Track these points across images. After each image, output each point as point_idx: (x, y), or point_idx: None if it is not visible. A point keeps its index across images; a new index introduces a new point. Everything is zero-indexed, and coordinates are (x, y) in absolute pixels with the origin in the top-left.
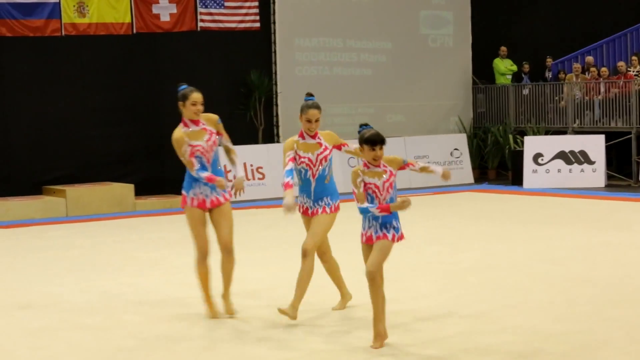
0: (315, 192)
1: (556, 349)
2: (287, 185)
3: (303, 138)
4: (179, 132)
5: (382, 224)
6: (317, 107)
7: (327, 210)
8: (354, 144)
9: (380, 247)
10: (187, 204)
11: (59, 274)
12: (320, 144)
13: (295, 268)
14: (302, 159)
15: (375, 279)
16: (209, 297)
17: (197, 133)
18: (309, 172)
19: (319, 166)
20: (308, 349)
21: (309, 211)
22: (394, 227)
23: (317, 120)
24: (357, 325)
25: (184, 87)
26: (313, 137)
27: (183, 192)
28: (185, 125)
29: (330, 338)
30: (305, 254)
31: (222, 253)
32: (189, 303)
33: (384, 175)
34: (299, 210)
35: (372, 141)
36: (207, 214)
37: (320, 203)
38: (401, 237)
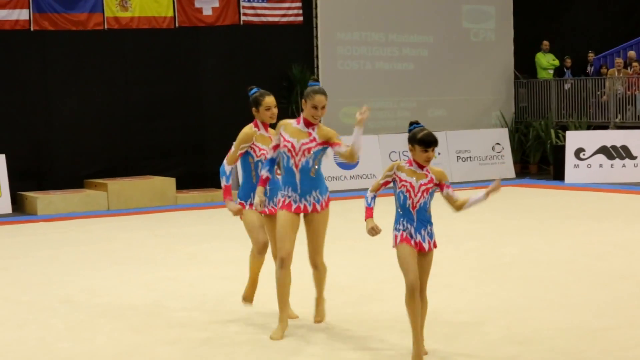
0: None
1: (597, 345)
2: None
3: (266, 130)
4: (250, 129)
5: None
6: (325, 93)
7: (318, 207)
8: (346, 146)
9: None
10: (279, 206)
11: (100, 268)
12: (309, 134)
13: (359, 262)
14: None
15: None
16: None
17: (265, 139)
18: (292, 161)
19: (301, 157)
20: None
21: (292, 207)
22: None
23: (323, 107)
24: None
25: (254, 91)
26: (308, 125)
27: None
28: (257, 126)
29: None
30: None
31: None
32: (230, 296)
33: (424, 179)
34: (277, 206)
35: (427, 142)
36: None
37: (308, 198)
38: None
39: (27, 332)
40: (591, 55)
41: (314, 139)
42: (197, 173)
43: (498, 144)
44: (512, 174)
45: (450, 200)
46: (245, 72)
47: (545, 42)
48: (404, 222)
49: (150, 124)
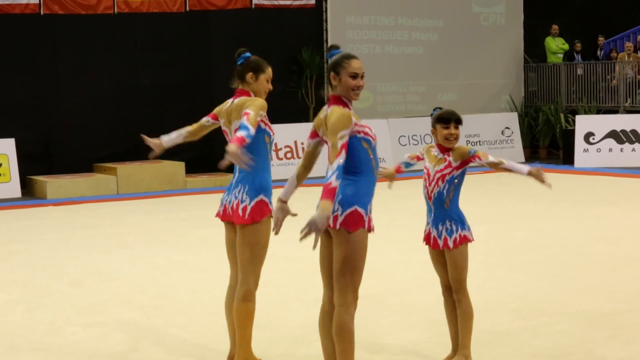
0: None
1: (607, 329)
2: None
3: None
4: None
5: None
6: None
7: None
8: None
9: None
10: (270, 213)
11: (110, 252)
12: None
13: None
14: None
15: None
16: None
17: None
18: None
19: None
20: None
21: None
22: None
23: (362, 77)
24: None
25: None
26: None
27: (262, 197)
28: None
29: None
30: None
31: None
32: None
33: (441, 164)
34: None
35: (445, 119)
36: None
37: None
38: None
39: (37, 316)
40: (601, 39)
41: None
42: (206, 157)
43: (507, 128)
44: (522, 159)
45: (490, 165)
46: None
47: (555, 26)
48: (427, 215)
49: (159, 108)
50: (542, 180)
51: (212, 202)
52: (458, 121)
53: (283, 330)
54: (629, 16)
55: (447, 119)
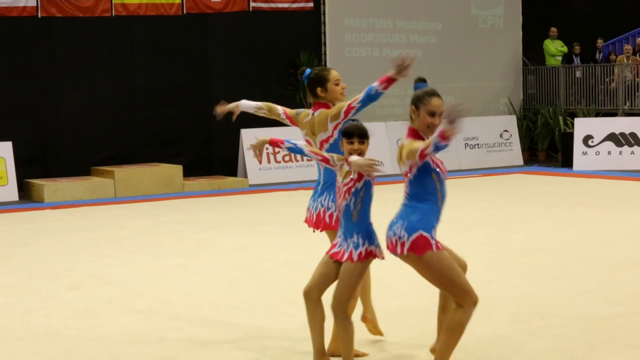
0: None
1: (606, 332)
2: None
3: None
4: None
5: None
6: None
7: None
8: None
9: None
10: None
11: (108, 255)
12: None
13: None
14: None
15: None
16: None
17: None
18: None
19: None
20: None
21: None
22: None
23: (441, 115)
24: None
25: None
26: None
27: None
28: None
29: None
30: None
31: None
32: (238, 283)
33: (346, 178)
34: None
35: (348, 133)
36: None
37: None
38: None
39: (34, 320)
40: (600, 42)
41: None
42: (204, 160)
43: (506, 131)
44: (520, 162)
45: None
46: (252, 59)
47: (553, 29)
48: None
49: (157, 111)
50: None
51: (210, 206)
52: (363, 136)
53: (279, 333)
54: (628, 19)
55: (349, 134)
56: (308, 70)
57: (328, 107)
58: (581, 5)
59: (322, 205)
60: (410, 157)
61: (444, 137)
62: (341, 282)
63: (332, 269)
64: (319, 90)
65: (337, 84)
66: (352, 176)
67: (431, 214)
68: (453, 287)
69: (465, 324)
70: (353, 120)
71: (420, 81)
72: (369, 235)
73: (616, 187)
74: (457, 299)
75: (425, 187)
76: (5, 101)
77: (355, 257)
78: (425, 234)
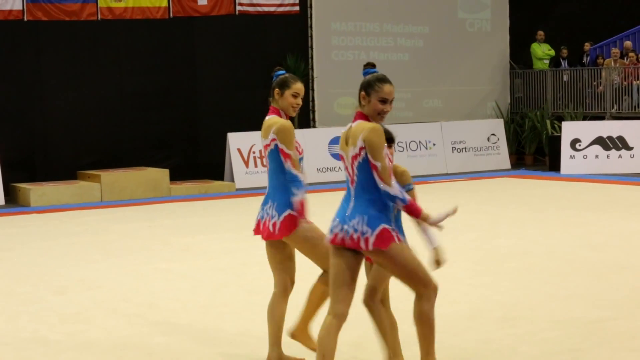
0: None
1: (593, 337)
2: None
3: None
4: (289, 124)
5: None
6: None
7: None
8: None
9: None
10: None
11: (94, 259)
12: None
13: None
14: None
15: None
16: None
17: None
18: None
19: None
20: None
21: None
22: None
23: (391, 102)
24: None
25: (282, 73)
26: None
27: (290, 212)
28: (280, 115)
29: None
30: None
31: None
32: (224, 288)
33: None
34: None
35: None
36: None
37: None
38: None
39: (21, 324)
40: (587, 46)
41: None
42: (191, 164)
43: (493, 134)
44: (508, 165)
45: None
46: (239, 62)
47: (540, 32)
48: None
49: (144, 115)
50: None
51: (197, 210)
52: (389, 140)
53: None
54: (615, 22)
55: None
56: (281, 72)
57: (279, 113)
58: (568, 9)
59: (267, 214)
60: (377, 158)
61: (415, 214)
62: (375, 275)
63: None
64: (276, 92)
65: (294, 96)
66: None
67: (387, 206)
68: (415, 276)
69: (432, 313)
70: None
71: (370, 66)
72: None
73: (604, 191)
74: (418, 289)
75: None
76: None
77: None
78: (387, 226)
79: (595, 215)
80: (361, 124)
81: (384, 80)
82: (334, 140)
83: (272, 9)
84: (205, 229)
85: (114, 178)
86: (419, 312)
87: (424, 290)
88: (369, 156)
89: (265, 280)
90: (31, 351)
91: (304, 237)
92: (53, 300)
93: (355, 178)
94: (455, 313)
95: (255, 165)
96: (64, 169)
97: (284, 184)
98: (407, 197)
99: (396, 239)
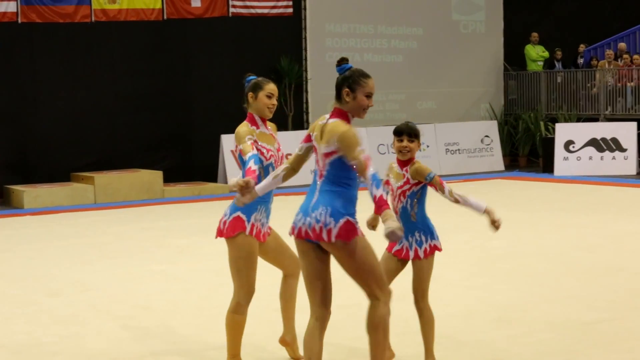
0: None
1: (587, 338)
2: None
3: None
4: (246, 127)
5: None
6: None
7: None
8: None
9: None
10: (244, 230)
11: (88, 261)
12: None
13: None
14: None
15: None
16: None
17: (268, 137)
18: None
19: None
20: None
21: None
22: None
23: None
24: None
25: (253, 78)
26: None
27: (239, 213)
28: (254, 123)
29: None
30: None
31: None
32: (219, 289)
33: (400, 181)
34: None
35: (398, 131)
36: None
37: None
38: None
39: (15, 326)
40: (581, 47)
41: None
42: (184, 166)
43: (487, 136)
44: (501, 167)
45: (448, 197)
46: (233, 64)
47: (534, 34)
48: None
49: (137, 117)
50: (495, 224)
51: (190, 212)
52: (411, 134)
53: (260, 339)
54: (609, 24)
55: (399, 132)
56: (252, 77)
57: (251, 118)
58: (562, 11)
59: (224, 213)
60: (352, 158)
61: (376, 210)
62: (417, 280)
63: (395, 264)
64: (250, 95)
65: (269, 97)
66: (411, 181)
67: (352, 199)
68: (372, 275)
69: (388, 318)
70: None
71: (345, 62)
72: (430, 232)
73: (597, 193)
74: (373, 291)
75: (347, 171)
76: None
77: (421, 255)
78: (351, 219)
79: (589, 217)
80: (338, 124)
81: (366, 75)
82: None
83: (265, 10)
84: (199, 231)
85: (107, 180)
86: (377, 317)
87: (380, 293)
88: (345, 158)
89: (259, 282)
90: (25, 353)
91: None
92: (47, 302)
93: (324, 172)
94: (449, 315)
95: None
96: (58, 171)
97: None
98: (379, 193)
99: (360, 233)
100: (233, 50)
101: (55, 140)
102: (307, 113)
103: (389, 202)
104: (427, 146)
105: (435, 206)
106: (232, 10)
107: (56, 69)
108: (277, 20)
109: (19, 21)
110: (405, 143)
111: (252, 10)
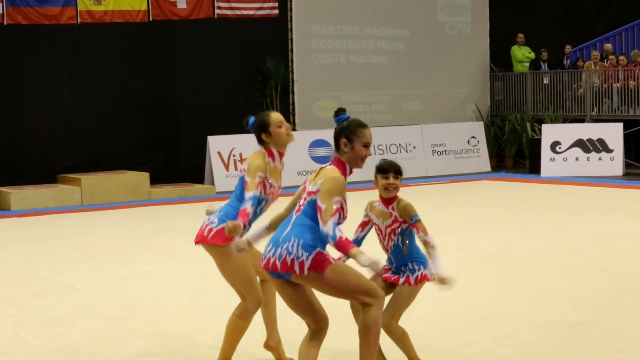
0: None
1: (573, 339)
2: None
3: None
4: (261, 160)
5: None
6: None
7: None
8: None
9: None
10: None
11: (74, 263)
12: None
13: None
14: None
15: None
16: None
17: (277, 173)
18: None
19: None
20: None
21: None
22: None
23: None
24: None
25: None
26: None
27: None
28: (271, 155)
29: None
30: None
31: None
32: (205, 291)
33: (388, 219)
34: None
35: (384, 169)
36: None
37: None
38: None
39: (1, 328)
40: (568, 48)
41: None
42: (171, 168)
43: (474, 137)
44: (488, 168)
45: (423, 243)
46: (219, 66)
47: (521, 35)
48: (387, 262)
49: (124, 119)
50: (443, 281)
51: (177, 213)
52: (397, 172)
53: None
54: (595, 25)
55: (385, 170)
56: (252, 119)
57: (269, 151)
58: (548, 12)
59: (209, 220)
60: (323, 201)
61: (343, 251)
62: (395, 303)
63: (382, 285)
64: (264, 136)
65: (279, 127)
66: (399, 219)
67: (324, 238)
68: (357, 292)
69: (379, 320)
70: (344, 113)
71: (342, 112)
72: (422, 261)
73: (584, 194)
74: (364, 302)
75: None
76: None
77: (412, 281)
78: (322, 251)
79: (576, 218)
80: (332, 170)
81: (363, 125)
82: (314, 143)
83: (251, 12)
84: (185, 233)
85: (94, 181)
86: (369, 320)
87: (370, 299)
88: (318, 198)
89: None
90: (11, 355)
91: None
92: (34, 303)
93: (302, 207)
94: (435, 316)
95: (235, 169)
96: (44, 173)
97: None
98: (338, 234)
99: (331, 259)
100: (219, 51)
101: (41, 142)
102: (294, 114)
103: (380, 241)
104: (414, 147)
105: (420, 207)
106: (217, 11)
107: (42, 71)
108: (263, 21)
109: (5, 23)
110: (391, 180)
111: (238, 12)
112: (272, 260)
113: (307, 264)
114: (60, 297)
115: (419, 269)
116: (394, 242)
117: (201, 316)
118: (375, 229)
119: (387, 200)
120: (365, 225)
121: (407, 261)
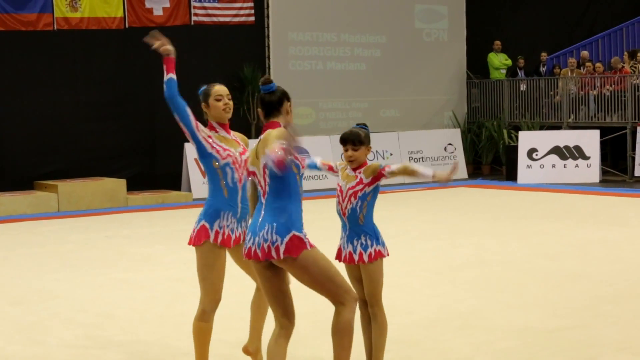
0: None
1: (550, 346)
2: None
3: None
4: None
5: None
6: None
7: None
8: None
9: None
10: (208, 238)
11: (51, 270)
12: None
13: None
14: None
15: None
16: None
17: (229, 141)
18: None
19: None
20: None
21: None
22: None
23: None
24: None
25: (203, 88)
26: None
27: (204, 222)
28: (212, 128)
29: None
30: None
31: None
32: (181, 298)
33: (352, 181)
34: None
35: (342, 140)
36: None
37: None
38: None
39: None
40: (544, 55)
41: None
42: (147, 174)
43: (450, 144)
44: (465, 175)
45: (399, 173)
46: (196, 72)
47: (497, 42)
48: (342, 231)
49: (100, 125)
50: (446, 180)
51: (154, 220)
52: (355, 142)
53: (224, 347)
54: (572, 32)
55: (343, 140)
56: (202, 87)
57: (211, 125)
58: (525, 19)
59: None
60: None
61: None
62: (369, 284)
63: (351, 271)
64: (203, 106)
65: (217, 100)
66: (364, 181)
67: (297, 212)
68: (332, 285)
69: (352, 323)
70: (364, 125)
71: (268, 82)
72: (376, 237)
73: (560, 201)
74: (336, 298)
75: (288, 183)
76: None
77: (366, 259)
78: (297, 233)
79: (552, 225)
80: (269, 131)
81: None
82: None
83: (227, 19)
84: (162, 239)
85: (71, 188)
86: (342, 322)
87: (345, 298)
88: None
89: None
90: None
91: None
92: (9, 310)
93: (267, 188)
94: (412, 322)
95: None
96: (21, 179)
97: None
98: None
99: (308, 245)
100: (196, 58)
101: (18, 149)
102: None
103: (338, 203)
104: (391, 154)
105: (398, 213)
106: (194, 18)
107: (18, 77)
108: (240, 28)
109: None
110: (349, 152)
111: (215, 19)
112: (253, 249)
113: (282, 248)
114: (37, 304)
115: (372, 245)
116: (352, 205)
117: (178, 323)
118: (337, 191)
119: (354, 170)
120: (329, 166)
121: (360, 233)
